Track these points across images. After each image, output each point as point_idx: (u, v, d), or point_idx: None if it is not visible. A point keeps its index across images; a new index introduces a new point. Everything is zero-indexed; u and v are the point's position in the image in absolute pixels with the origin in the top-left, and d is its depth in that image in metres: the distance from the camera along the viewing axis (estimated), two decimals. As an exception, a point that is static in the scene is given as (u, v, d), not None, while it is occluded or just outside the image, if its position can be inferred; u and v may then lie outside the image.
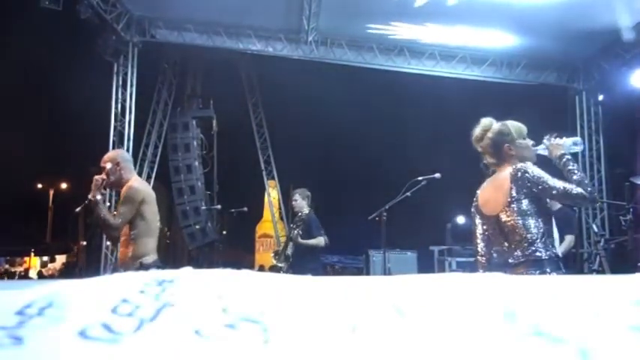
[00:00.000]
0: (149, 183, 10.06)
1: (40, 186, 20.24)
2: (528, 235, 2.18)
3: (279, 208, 13.34)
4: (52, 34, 7.81)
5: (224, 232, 9.71)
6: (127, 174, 3.30)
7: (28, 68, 10.60)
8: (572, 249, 4.99)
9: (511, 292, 0.64)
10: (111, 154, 3.42)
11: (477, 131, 2.47)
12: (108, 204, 8.13)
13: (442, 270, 7.43)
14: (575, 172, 2.21)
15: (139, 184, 3.25)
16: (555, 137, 2.39)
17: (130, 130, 8.47)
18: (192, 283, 0.58)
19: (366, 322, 0.55)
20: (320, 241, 5.33)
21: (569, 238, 4.94)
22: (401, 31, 8.27)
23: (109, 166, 3.28)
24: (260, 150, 12.55)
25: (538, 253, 2.16)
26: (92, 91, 9.03)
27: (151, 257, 3.18)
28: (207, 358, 0.46)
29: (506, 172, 2.29)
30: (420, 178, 4.18)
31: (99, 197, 3.14)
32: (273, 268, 8.32)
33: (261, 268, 13.50)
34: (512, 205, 2.22)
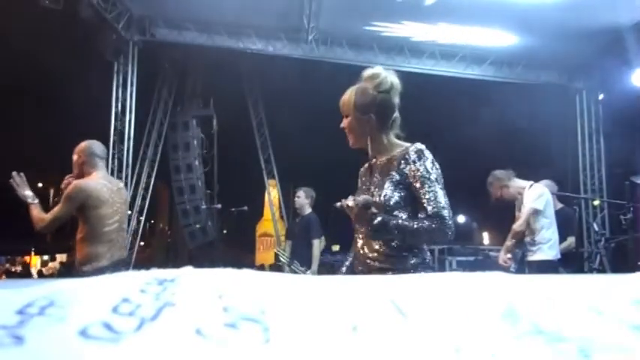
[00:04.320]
0: (149, 182, 10.08)
1: (40, 185, 20.25)
2: None
3: (280, 207, 13.34)
4: (52, 33, 7.81)
5: (224, 231, 9.73)
6: (89, 168, 3.10)
7: (27, 67, 10.60)
8: (572, 249, 5.00)
9: (511, 291, 0.64)
10: (81, 145, 3.21)
11: None
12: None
13: (442, 269, 7.44)
14: None
15: (86, 183, 3.01)
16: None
17: (130, 130, 8.49)
18: (193, 282, 0.58)
19: (366, 321, 0.55)
20: (317, 245, 5.36)
21: (570, 240, 4.95)
22: (401, 30, 8.27)
23: (75, 157, 3.13)
24: (260, 149, 12.56)
25: None
26: (92, 91, 9.03)
27: (94, 264, 2.92)
28: (208, 357, 0.46)
29: None
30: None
31: (27, 192, 2.98)
32: (274, 267, 8.34)
33: (262, 267, 13.51)
34: None
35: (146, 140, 10.16)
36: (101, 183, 3.08)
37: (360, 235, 1.98)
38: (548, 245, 4.38)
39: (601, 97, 9.30)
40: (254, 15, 8.01)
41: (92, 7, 7.24)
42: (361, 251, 1.96)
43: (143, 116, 9.76)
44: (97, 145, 3.25)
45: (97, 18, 7.50)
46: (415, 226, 1.77)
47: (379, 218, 1.78)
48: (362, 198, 1.84)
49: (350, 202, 1.85)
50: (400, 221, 1.78)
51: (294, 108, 12.98)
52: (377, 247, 1.90)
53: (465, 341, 0.52)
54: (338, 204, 1.92)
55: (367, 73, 1.95)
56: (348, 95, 1.95)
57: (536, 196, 4.40)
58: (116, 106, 8.35)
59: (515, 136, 10.17)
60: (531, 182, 4.53)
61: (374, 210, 1.81)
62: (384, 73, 1.93)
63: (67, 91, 11.17)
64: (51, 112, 13.69)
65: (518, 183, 4.56)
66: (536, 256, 4.38)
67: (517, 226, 4.38)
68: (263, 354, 0.47)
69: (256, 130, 12.49)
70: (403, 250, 1.86)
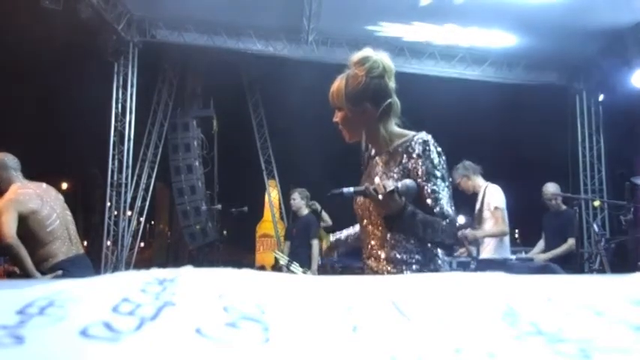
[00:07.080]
0: (149, 183, 10.08)
1: (40, 186, 20.19)
2: None
3: (280, 208, 13.33)
4: (52, 34, 7.81)
5: (224, 232, 9.71)
6: (6, 183, 3.10)
7: (27, 68, 10.60)
8: (573, 250, 5.02)
9: (511, 291, 0.64)
10: None
11: None
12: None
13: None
14: None
15: (7, 199, 2.99)
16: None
17: (130, 131, 8.48)
18: (193, 281, 0.58)
19: (366, 321, 0.55)
20: (316, 245, 5.38)
21: (571, 241, 4.98)
22: (401, 30, 8.27)
23: None
24: (260, 150, 12.54)
25: None
26: (92, 91, 9.03)
27: (51, 261, 3.00)
28: (208, 357, 0.46)
29: None
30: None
31: None
32: (274, 268, 8.33)
33: (262, 268, 13.51)
34: None
35: (146, 141, 10.15)
36: (23, 193, 3.09)
37: (372, 235, 1.76)
38: (494, 245, 4.48)
39: (601, 97, 9.29)
40: (254, 16, 8.00)
41: (92, 8, 7.23)
42: (374, 255, 1.76)
43: (143, 117, 9.74)
44: (9, 158, 3.26)
45: (97, 18, 7.49)
46: (434, 222, 1.60)
47: (410, 208, 1.57)
48: (404, 183, 1.58)
49: (383, 183, 1.54)
50: (423, 215, 1.59)
51: (294, 109, 12.99)
52: (393, 252, 1.70)
53: (465, 341, 0.52)
54: (360, 188, 1.63)
55: (355, 57, 1.72)
56: (337, 85, 1.73)
57: (501, 197, 4.51)
58: (116, 107, 8.34)
59: (515, 137, 10.16)
60: (488, 183, 4.64)
61: (403, 199, 1.56)
62: (375, 56, 1.71)
63: (67, 92, 11.17)
64: (51, 113, 13.68)
65: (478, 180, 4.71)
66: (484, 254, 4.50)
67: (498, 232, 4.47)
68: (263, 354, 0.48)
69: (256, 130, 12.47)
70: (417, 254, 1.70)
